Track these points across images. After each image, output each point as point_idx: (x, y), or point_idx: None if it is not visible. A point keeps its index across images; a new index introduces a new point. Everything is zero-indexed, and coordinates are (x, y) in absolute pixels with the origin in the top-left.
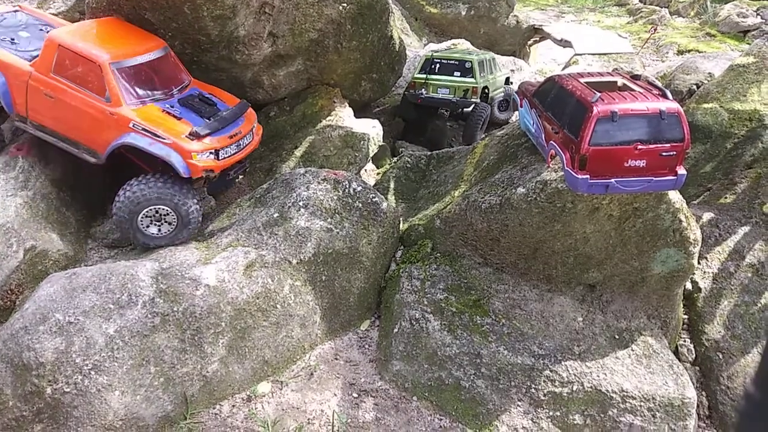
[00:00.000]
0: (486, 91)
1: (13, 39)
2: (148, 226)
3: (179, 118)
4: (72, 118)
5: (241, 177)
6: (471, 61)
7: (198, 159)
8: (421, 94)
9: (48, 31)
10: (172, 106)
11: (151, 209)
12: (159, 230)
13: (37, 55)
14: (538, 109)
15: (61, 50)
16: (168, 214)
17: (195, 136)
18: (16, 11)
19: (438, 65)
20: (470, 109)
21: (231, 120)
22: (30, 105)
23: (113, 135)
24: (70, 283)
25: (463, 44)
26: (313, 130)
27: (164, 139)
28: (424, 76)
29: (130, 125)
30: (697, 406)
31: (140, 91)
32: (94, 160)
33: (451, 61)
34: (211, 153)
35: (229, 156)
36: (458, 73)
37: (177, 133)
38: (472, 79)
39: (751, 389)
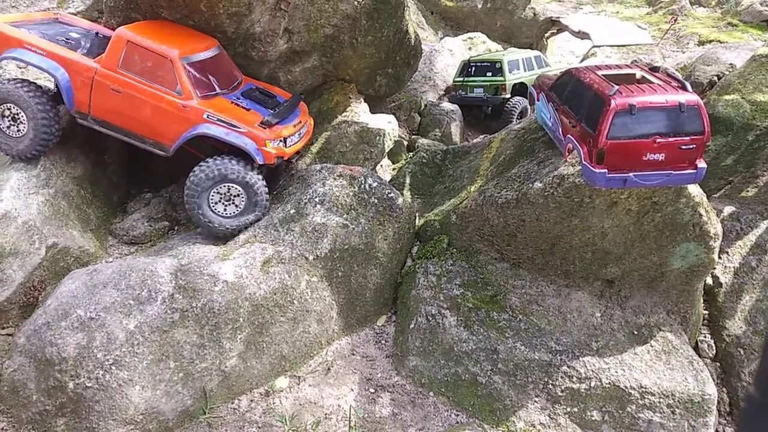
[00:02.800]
0: (518, 87)
1: (67, 39)
2: (216, 203)
3: (248, 110)
4: (140, 112)
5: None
6: (500, 61)
7: (270, 146)
8: (460, 94)
9: (94, 34)
10: (239, 98)
11: (223, 186)
12: (225, 209)
13: (96, 53)
14: (555, 102)
15: (131, 46)
16: (238, 195)
17: (267, 125)
18: (56, 19)
19: (474, 68)
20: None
21: (291, 111)
22: (94, 100)
23: (185, 127)
24: (91, 279)
25: (480, 38)
26: (329, 126)
27: (239, 128)
28: (461, 79)
29: (205, 116)
30: (718, 402)
31: (207, 85)
32: (163, 153)
33: (484, 63)
34: (280, 141)
35: (294, 144)
36: (490, 73)
37: (250, 122)
38: (501, 78)
39: (752, 390)
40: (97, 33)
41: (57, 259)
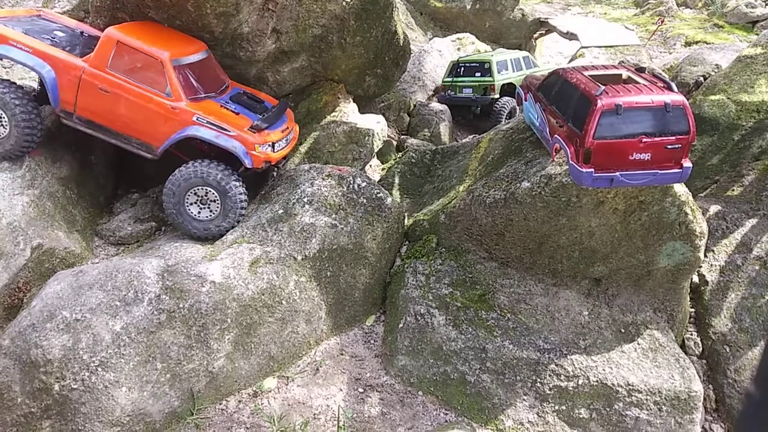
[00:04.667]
0: (506, 87)
1: (53, 38)
2: (191, 204)
3: (237, 114)
4: (128, 112)
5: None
6: (489, 62)
7: (259, 150)
8: (449, 94)
9: (79, 33)
10: (227, 102)
11: (201, 189)
12: (199, 212)
13: (83, 53)
14: (542, 102)
15: (120, 46)
16: (214, 201)
17: (256, 129)
18: (38, 15)
19: (463, 68)
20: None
21: (279, 116)
22: (80, 100)
23: (174, 128)
24: (77, 280)
25: (468, 38)
26: (318, 126)
27: (229, 131)
28: (451, 79)
29: (194, 119)
30: (704, 399)
31: (195, 88)
32: (149, 155)
33: (474, 63)
34: (269, 145)
35: (281, 149)
36: (479, 74)
37: (239, 126)
38: (490, 78)
39: (751, 388)
40: (82, 32)
41: (42, 261)
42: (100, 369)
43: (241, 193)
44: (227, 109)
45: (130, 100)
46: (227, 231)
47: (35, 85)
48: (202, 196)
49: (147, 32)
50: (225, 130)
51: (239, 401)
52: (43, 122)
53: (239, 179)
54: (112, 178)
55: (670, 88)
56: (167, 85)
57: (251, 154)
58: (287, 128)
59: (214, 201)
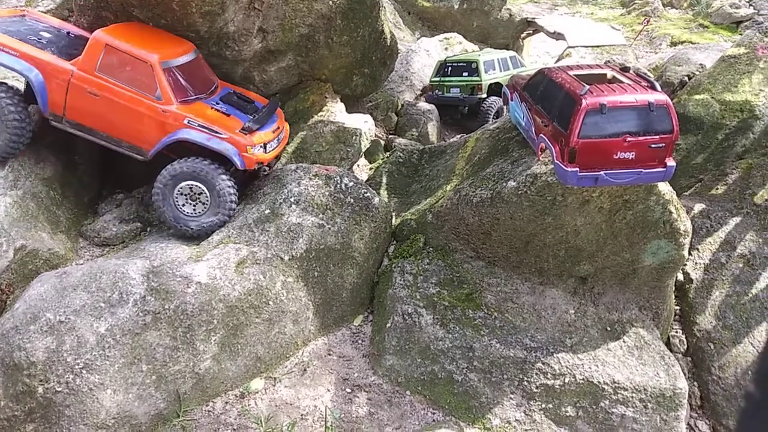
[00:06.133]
0: (494, 87)
1: (40, 39)
2: (183, 205)
3: (228, 115)
4: (118, 115)
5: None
6: (476, 61)
7: (251, 152)
8: (437, 94)
9: (65, 33)
10: (218, 104)
11: (187, 186)
12: (194, 209)
13: (69, 54)
14: (528, 102)
15: (109, 49)
16: (202, 193)
17: (248, 131)
18: (23, 16)
19: (450, 68)
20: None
21: (269, 116)
22: (69, 103)
23: (165, 132)
24: (61, 282)
25: (456, 38)
26: (305, 125)
27: (221, 134)
28: (438, 79)
29: (185, 122)
30: (689, 396)
31: (185, 90)
32: (140, 157)
33: (461, 63)
34: (261, 147)
35: (273, 149)
36: (466, 73)
37: (230, 128)
38: (477, 78)
39: (750, 388)
40: (68, 32)
41: (25, 262)
42: (84, 371)
43: (229, 187)
44: (217, 110)
45: (119, 104)
46: (217, 227)
47: (21, 84)
48: (187, 194)
49: (135, 34)
50: (216, 132)
51: (226, 402)
52: (33, 123)
53: (227, 174)
54: (97, 178)
55: (653, 88)
56: (157, 88)
57: (243, 156)
58: (278, 128)
59: (202, 194)
